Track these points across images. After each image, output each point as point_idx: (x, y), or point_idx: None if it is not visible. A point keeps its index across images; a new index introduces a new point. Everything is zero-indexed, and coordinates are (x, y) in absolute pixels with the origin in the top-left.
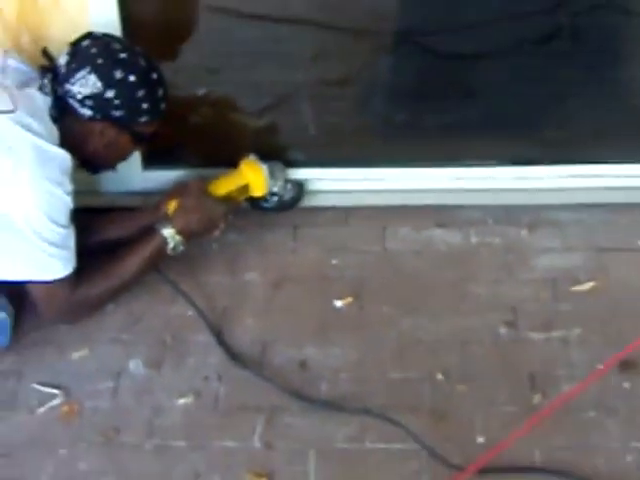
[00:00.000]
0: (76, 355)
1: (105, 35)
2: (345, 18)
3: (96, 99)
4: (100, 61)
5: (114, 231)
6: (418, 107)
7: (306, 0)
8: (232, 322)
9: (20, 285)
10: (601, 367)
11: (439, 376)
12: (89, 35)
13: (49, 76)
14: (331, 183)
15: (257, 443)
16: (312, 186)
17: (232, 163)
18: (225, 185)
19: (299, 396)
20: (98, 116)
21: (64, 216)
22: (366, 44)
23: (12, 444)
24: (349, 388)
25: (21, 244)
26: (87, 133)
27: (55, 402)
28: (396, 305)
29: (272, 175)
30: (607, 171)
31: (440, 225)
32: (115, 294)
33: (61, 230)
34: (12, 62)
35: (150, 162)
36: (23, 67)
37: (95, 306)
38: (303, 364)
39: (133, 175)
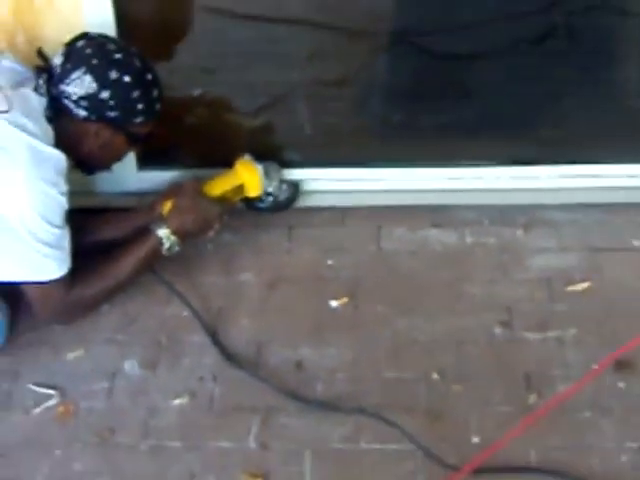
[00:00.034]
0: (71, 355)
1: (100, 35)
2: (341, 18)
3: (91, 100)
4: (95, 62)
5: (109, 231)
6: (414, 107)
7: (302, 0)
8: (227, 322)
9: (15, 285)
10: (596, 367)
11: (434, 376)
12: (84, 35)
13: (44, 76)
14: (326, 183)
15: (252, 443)
16: (307, 186)
17: (227, 163)
18: (220, 185)
19: (294, 396)
20: (93, 117)
21: (59, 216)
22: (362, 44)
23: (7, 444)
24: (344, 388)
25: (16, 244)
26: (82, 134)
27: (50, 402)
28: (391, 305)
29: (267, 175)
30: (602, 171)
31: (435, 225)
32: (110, 294)
33: (56, 230)
34: (7, 62)
35: (145, 163)
36: (18, 67)
37: (90, 307)
38: (298, 364)
39: (128, 175)
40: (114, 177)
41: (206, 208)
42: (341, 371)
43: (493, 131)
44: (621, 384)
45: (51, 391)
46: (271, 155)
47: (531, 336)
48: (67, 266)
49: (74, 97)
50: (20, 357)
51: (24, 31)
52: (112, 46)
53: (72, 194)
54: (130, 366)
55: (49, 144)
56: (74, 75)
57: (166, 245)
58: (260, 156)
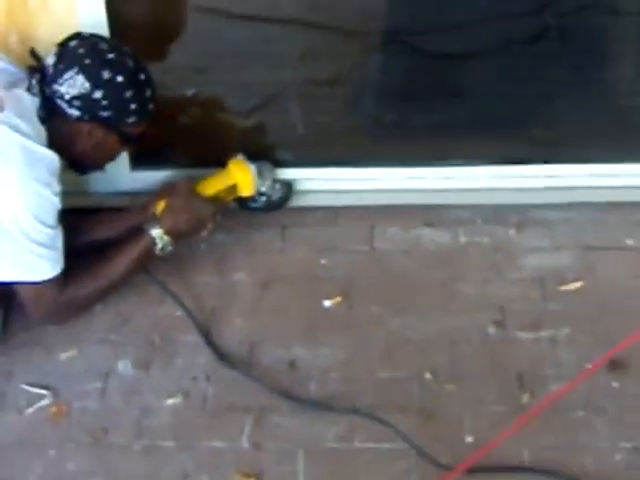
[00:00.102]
0: (64, 356)
1: (93, 35)
2: (333, 18)
3: (84, 99)
4: (88, 61)
5: (102, 231)
6: (406, 107)
7: (295, 0)
8: (220, 322)
9: (8, 286)
10: (589, 367)
11: (428, 376)
12: (77, 35)
13: (37, 77)
14: (319, 183)
15: (246, 443)
16: (300, 186)
17: (220, 163)
18: (213, 185)
19: (288, 396)
20: (86, 117)
21: (52, 217)
22: (354, 44)
23: (0, 445)
24: (338, 388)
25: (9, 245)
26: (75, 134)
27: (43, 402)
28: (385, 305)
29: (260, 175)
30: (595, 170)
31: (429, 225)
32: (103, 295)
33: (49, 231)
34: (0, 63)
35: (138, 162)
36: (11, 68)
37: (83, 307)
38: (292, 364)
39: (121, 175)
40: (107, 177)
41: (199, 208)
42: (334, 371)
43: (486, 130)
44: (615, 384)
45: (44, 391)
46: (264, 155)
47: (524, 335)
48: (60, 266)
49: (67, 97)
50: (13, 357)
51: (17, 31)
52: (105, 46)
53: (65, 194)
54: (123, 366)
55: (42, 144)
56: (67, 75)
57: (159, 245)
58: (253, 156)
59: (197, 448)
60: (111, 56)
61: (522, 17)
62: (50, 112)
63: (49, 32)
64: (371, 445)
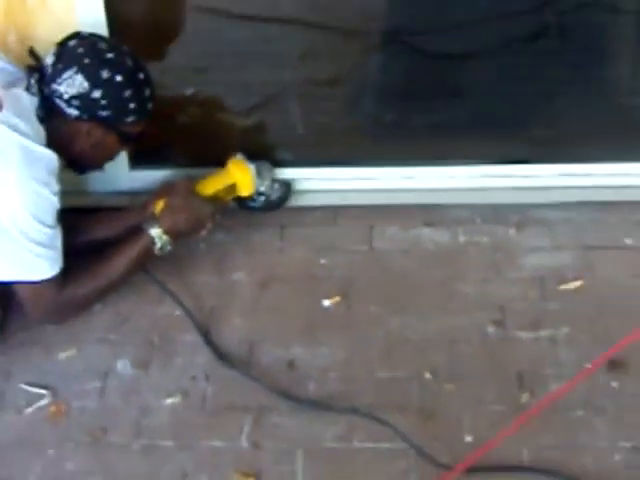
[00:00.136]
0: (63, 355)
1: (92, 35)
2: (333, 18)
3: (83, 99)
4: (87, 61)
5: (101, 231)
6: (406, 106)
7: (295, 0)
8: (220, 322)
9: (7, 285)
10: (589, 366)
11: (427, 375)
12: (76, 35)
13: (36, 76)
14: (318, 183)
15: (245, 443)
16: (299, 186)
17: (219, 163)
18: (212, 185)
19: (287, 396)
20: (85, 116)
21: (51, 216)
22: (354, 44)
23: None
24: (337, 387)
25: (8, 244)
26: (74, 133)
27: (42, 402)
28: (384, 304)
29: (259, 175)
30: (595, 170)
31: (428, 224)
32: (102, 294)
33: (48, 230)
34: None
35: (137, 162)
36: (9, 67)
37: (82, 306)
38: (291, 364)
39: (120, 175)
40: (106, 176)
41: (198, 207)
42: (333, 370)
43: (486, 130)
44: (614, 383)
45: (43, 391)
46: (263, 154)
47: (524, 335)
48: (59, 266)
49: (66, 96)
50: (12, 357)
51: (16, 31)
52: (104, 45)
53: (64, 193)
54: (122, 365)
55: (41, 144)
56: (66, 74)
57: (158, 244)
58: (252, 155)
59: (196, 448)
60: (110, 55)
61: (522, 16)
62: (49, 111)
63: (48, 31)
64: (370, 445)
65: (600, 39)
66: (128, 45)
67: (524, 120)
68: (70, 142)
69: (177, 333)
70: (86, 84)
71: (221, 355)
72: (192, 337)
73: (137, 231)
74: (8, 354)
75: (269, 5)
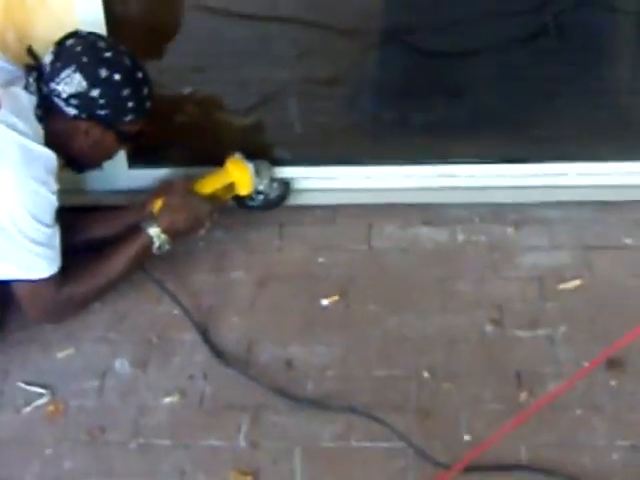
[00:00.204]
0: (62, 354)
1: (90, 34)
2: (332, 17)
3: (81, 98)
4: (85, 60)
5: (100, 230)
6: (404, 105)
7: None
8: (218, 321)
9: (5, 284)
10: (587, 365)
11: (425, 374)
12: (74, 34)
13: (34, 75)
14: (317, 181)
15: (242, 442)
16: (298, 184)
17: (218, 162)
18: (211, 184)
19: (285, 394)
20: (83, 115)
21: (49, 215)
22: (353, 43)
23: None
24: (335, 386)
25: (6, 243)
26: (72, 132)
27: (41, 401)
28: (382, 303)
29: (258, 173)
30: (594, 169)
31: (426, 223)
32: (101, 293)
33: (46, 229)
34: None
35: (136, 161)
36: (8, 66)
37: (80, 305)
38: (289, 362)
39: (119, 174)
40: (104, 175)
41: (197, 206)
42: (331, 369)
43: (484, 129)
44: (612, 382)
45: (41, 390)
46: (262, 153)
47: (522, 334)
48: (57, 265)
49: (64, 95)
50: (10, 355)
51: (15, 29)
52: (102, 44)
53: (62, 192)
54: (120, 364)
55: (39, 143)
56: (64, 73)
57: (157, 243)
58: (251, 154)
59: (194, 446)
60: (108, 54)
61: (521, 15)
62: (47, 110)
63: (46, 30)
64: (368, 444)
65: (599, 38)
66: (127, 44)
67: (523, 119)
68: (68, 141)
69: (175, 332)
70: (84, 83)
71: (219, 354)
72: (190, 336)
73: (135, 230)
74: (6, 353)
75: (267, 4)
